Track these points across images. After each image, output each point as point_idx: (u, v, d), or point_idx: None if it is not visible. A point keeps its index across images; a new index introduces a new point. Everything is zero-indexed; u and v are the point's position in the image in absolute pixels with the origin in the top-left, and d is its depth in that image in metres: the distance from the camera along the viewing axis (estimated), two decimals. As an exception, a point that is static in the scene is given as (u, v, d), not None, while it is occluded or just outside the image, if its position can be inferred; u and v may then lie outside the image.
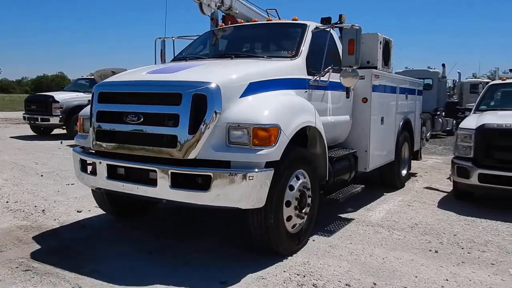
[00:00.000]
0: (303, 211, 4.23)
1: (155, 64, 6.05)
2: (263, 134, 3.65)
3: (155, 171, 3.83)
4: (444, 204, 6.40)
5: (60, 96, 14.46)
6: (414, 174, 8.74)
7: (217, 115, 3.69)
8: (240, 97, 3.90)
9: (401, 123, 7.38)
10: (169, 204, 5.66)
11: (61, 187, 6.99)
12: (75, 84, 16.95)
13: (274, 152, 3.70)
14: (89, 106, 4.76)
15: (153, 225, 5.20)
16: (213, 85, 3.72)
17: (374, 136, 6.11)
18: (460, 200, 6.50)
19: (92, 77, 13.49)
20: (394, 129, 7.06)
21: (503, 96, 7.85)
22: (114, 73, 12.13)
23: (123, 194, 4.18)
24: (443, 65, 12.44)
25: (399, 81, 7.26)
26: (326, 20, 5.92)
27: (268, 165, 3.73)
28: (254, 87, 4.03)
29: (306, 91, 4.69)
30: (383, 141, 6.57)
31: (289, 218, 4.09)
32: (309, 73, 4.79)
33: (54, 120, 13.99)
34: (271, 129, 3.69)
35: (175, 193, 3.76)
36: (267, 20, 5.73)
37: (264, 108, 3.85)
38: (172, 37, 6.08)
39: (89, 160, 4.36)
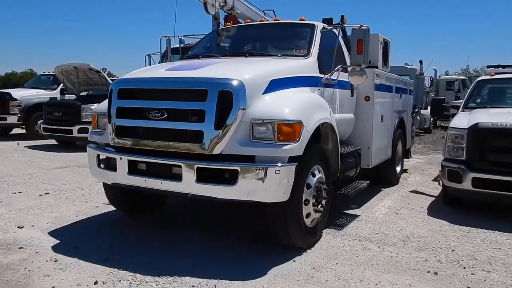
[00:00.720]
0: (320, 205, 4.36)
1: (162, 61, 6.11)
2: (288, 130, 3.77)
3: (179, 166, 3.89)
4: (434, 211, 5.91)
5: (19, 94, 13.61)
6: (405, 170, 9.00)
7: (242, 111, 3.79)
8: (263, 94, 4.01)
9: (396, 122, 7.63)
10: (178, 200, 5.82)
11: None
12: (36, 81, 16.03)
13: (297, 147, 3.82)
14: (103, 103, 4.80)
15: (160, 221, 5.23)
16: (238, 82, 3.81)
17: (376, 133, 6.31)
18: (450, 206, 6.03)
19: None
20: (391, 127, 7.30)
21: (492, 92, 7.55)
22: (76, 68, 12.00)
23: (143, 189, 4.23)
24: (421, 61, 12.46)
25: (396, 80, 7.49)
26: (328, 21, 6.10)
27: (291, 160, 3.85)
28: (275, 85, 4.15)
29: (319, 89, 4.84)
30: (382, 138, 6.78)
31: (308, 214, 4.22)
32: (320, 72, 4.94)
33: (12, 119, 13.11)
34: (295, 125, 3.80)
35: (200, 188, 3.83)
36: (274, 20, 5.82)
37: (287, 105, 3.96)
38: (179, 36, 6.13)
39: (108, 156, 4.37)
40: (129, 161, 4.17)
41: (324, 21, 6.04)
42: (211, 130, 3.75)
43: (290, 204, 3.91)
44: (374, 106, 6.17)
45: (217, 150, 3.78)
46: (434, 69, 17.09)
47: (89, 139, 4.85)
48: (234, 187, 3.72)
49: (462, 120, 5.96)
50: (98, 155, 4.48)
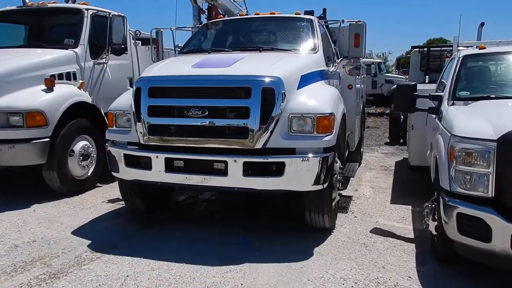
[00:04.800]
0: (339, 188, 4.79)
1: (157, 53, 6.04)
2: (326, 123, 4.08)
3: (224, 162, 4.04)
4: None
5: None
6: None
7: (282, 106, 4.03)
8: (297, 89, 4.28)
9: (361, 106, 8.30)
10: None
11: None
12: None
13: (333, 138, 4.16)
14: (121, 100, 4.71)
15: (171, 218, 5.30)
16: (278, 79, 4.04)
17: (356, 118, 6.87)
18: (446, 264, 3.79)
19: None
20: (360, 112, 7.94)
21: (487, 73, 5.23)
22: None
23: (182, 186, 4.30)
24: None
25: (363, 69, 8.12)
26: (308, 13, 6.47)
27: (325, 150, 4.18)
28: (304, 80, 4.44)
29: (328, 81, 5.22)
30: (358, 122, 7.38)
31: (334, 198, 4.60)
32: (326, 65, 5.31)
33: None
34: (331, 118, 4.13)
35: (248, 181, 4.02)
36: (270, 14, 6.01)
37: (321, 99, 4.28)
38: (171, 28, 6.07)
39: (142, 155, 4.33)
40: (166, 159, 4.20)
41: (305, 13, 6.39)
42: (256, 125, 3.94)
43: (325, 190, 4.26)
44: (355, 95, 6.71)
45: (261, 144, 3.99)
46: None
47: (106, 137, 4.73)
48: (281, 178, 3.97)
49: (476, 123, 3.51)
50: (126, 154, 4.42)
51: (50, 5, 6.64)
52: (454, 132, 3.44)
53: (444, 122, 3.99)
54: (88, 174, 6.24)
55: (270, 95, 3.99)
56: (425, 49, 10.96)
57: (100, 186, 6.44)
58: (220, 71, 4.27)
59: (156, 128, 4.24)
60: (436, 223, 3.71)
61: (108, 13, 6.64)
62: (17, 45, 6.60)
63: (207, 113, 4.05)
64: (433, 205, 3.85)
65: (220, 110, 4.06)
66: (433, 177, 4.13)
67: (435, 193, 3.82)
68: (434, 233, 3.79)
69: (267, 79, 4.02)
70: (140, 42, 7.76)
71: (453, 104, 4.44)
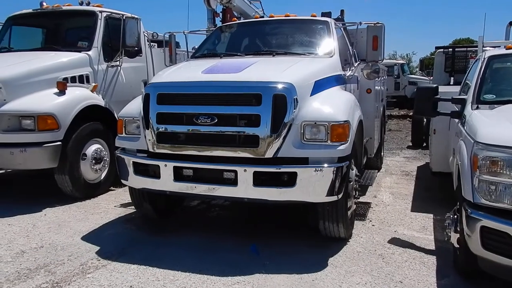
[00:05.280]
0: (356, 197, 4.58)
1: (170, 56, 5.95)
2: (340, 131, 3.89)
3: (233, 171, 3.89)
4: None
5: None
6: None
7: (294, 113, 3.86)
8: (311, 95, 4.10)
9: (381, 110, 8.03)
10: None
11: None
12: None
13: (348, 147, 3.96)
14: (131, 106, 4.63)
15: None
16: (290, 86, 3.88)
17: (375, 123, 6.63)
18: (469, 279, 3.55)
19: None
20: (380, 115, 7.68)
21: None
22: None
23: (191, 195, 4.18)
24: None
25: (383, 71, 7.85)
26: (326, 15, 6.27)
27: (340, 159, 3.99)
28: (318, 85, 4.26)
29: (345, 86, 5.01)
30: (377, 127, 7.13)
31: (350, 206, 4.40)
32: (342, 69, 5.10)
33: None
34: (346, 126, 3.93)
35: (258, 191, 3.86)
36: (285, 16, 5.84)
37: (335, 106, 4.09)
38: (184, 31, 5.96)
39: (150, 163, 4.23)
40: (174, 167, 4.08)
41: (322, 15, 6.19)
42: (267, 133, 3.78)
43: (340, 200, 4.06)
44: (375, 98, 6.47)
45: (272, 153, 3.83)
46: None
47: (116, 145, 4.65)
48: (293, 189, 3.80)
49: (501, 128, 3.33)
50: (135, 162, 4.32)
51: (64, 7, 6.63)
52: (478, 139, 3.19)
53: (467, 127, 3.73)
54: (101, 178, 6.19)
55: (281, 102, 3.82)
56: (450, 49, 10.63)
57: (114, 190, 6.40)
58: (230, 77, 4.12)
59: (164, 135, 4.12)
60: (458, 235, 3.48)
61: (121, 15, 6.58)
62: (32, 48, 6.61)
63: (216, 120, 3.92)
64: (455, 216, 3.58)
65: (230, 118, 3.91)
66: (456, 185, 3.94)
67: (457, 203, 3.58)
68: (456, 246, 3.53)
69: (278, 86, 3.85)
70: (155, 44, 7.70)
71: (477, 108, 4.17)
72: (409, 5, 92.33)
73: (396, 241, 4.46)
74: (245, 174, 3.84)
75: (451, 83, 9.48)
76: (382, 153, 8.44)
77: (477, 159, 3.10)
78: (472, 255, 3.19)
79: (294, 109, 3.86)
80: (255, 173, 3.83)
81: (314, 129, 3.89)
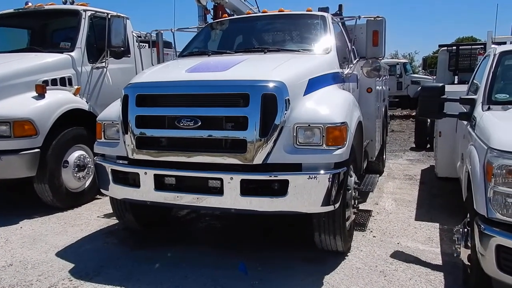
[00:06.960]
0: (355, 206, 4.20)
1: (157, 56, 5.61)
2: (337, 134, 3.52)
3: (219, 179, 3.53)
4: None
5: None
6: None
7: (286, 115, 3.49)
8: (304, 95, 3.73)
9: (383, 110, 7.66)
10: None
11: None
12: None
13: (346, 151, 3.59)
14: (111, 109, 4.28)
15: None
16: (281, 84, 3.50)
17: (376, 125, 6.26)
18: None
19: None
20: (382, 116, 7.31)
21: None
22: None
23: (174, 206, 3.81)
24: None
25: (384, 70, 7.49)
26: (323, 10, 5.90)
27: (336, 164, 3.61)
28: (312, 84, 3.89)
29: (342, 85, 4.63)
30: (379, 129, 6.75)
31: (348, 217, 4.03)
32: (340, 66, 4.73)
33: None
34: (343, 128, 3.56)
35: (246, 201, 3.49)
36: (279, 11, 5.49)
37: (331, 106, 3.71)
38: (171, 29, 5.62)
39: (128, 170, 3.87)
40: (155, 175, 3.72)
41: (320, 10, 5.83)
42: (255, 137, 3.41)
43: (338, 210, 3.69)
44: (376, 98, 6.10)
45: (261, 159, 3.46)
46: None
47: (95, 151, 4.30)
48: (284, 198, 3.43)
49: None
50: (113, 170, 3.96)
51: (47, 7, 6.28)
52: (492, 145, 2.83)
53: (479, 131, 3.36)
54: (85, 186, 5.82)
55: (271, 102, 3.45)
56: (454, 47, 10.31)
57: (100, 198, 6.02)
58: (216, 75, 3.76)
59: (144, 140, 3.76)
60: (469, 251, 3.08)
61: (107, 14, 6.23)
62: (13, 50, 6.26)
63: (200, 123, 3.55)
64: (466, 229, 3.23)
65: (215, 120, 3.55)
66: (465, 195, 3.56)
67: (467, 215, 3.19)
68: (467, 263, 3.14)
69: (268, 84, 3.48)
70: (146, 45, 7.35)
71: (488, 108, 3.77)
72: (410, 3, 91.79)
73: (399, 255, 4.08)
74: (232, 183, 3.47)
75: (455, 82, 9.13)
76: (384, 156, 8.07)
77: (491, 167, 2.73)
78: (485, 276, 2.81)
79: (286, 110, 3.48)
80: (242, 181, 3.46)
81: (307, 132, 3.51)
